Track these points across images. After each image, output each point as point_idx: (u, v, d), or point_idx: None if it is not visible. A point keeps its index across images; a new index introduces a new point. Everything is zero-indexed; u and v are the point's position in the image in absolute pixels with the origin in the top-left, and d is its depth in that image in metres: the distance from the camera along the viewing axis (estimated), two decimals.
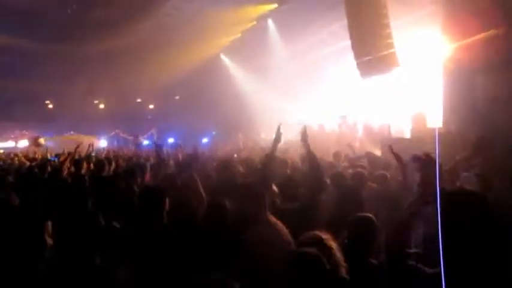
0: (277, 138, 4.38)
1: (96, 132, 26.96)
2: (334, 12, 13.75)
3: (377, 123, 14.12)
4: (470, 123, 9.86)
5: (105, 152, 13.08)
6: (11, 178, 6.51)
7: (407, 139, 11.74)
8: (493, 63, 9.79)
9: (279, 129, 4.37)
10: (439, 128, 10.48)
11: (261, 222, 3.28)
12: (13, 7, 15.82)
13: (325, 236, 2.41)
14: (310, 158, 4.05)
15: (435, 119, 11.34)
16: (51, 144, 21.29)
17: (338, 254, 2.36)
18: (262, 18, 18.60)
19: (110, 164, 6.87)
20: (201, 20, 16.94)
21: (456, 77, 10.41)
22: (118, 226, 3.46)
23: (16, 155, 13.36)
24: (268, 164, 4.06)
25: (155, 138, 28.65)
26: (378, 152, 11.26)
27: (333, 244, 2.38)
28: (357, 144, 13.20)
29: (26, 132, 27.10)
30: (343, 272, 2.34)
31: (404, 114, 13.05)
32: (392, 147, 5.10)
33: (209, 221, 3.24)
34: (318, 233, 2.43)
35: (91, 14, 16.78)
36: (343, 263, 2.35)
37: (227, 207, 3.38)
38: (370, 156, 7.68)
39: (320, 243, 2.36)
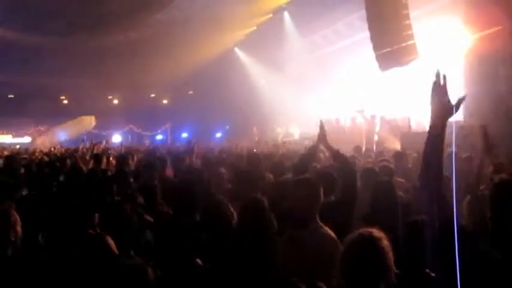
0: (322, 136, 4.19)
1: (111, 127, 27.12)
2: (351, 3, 13.55)
3: (396, 117, 13.93)
4: (493, 115, 9.65)
5: (123, 147, 13.10)
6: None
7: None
8: None
9: (322, 126, 4.21)
10: (458, 122, 10.30)
11: (313, 224, 3.06)
12: (26, 1, 15.82)
13: (378, 235, 2.23)
14: (337, 156, 3.92)
15: (457, 112, 11.11)
16: (63, 135, 21.64)
17: (391, 258, 2.18)
18: (279, 10, 18.42)
19: (132, 158, 6.83)
20: (216, 13, 16.81)
21: (478, 68, 10.22)
22: (151, 220, 3.40)
23: (35, 150, 13.44)
24: (310, 160, 3.92)
25: (169, 133, 28.81)
26: (397, 146, 11.12)
27: (387, 244, 2.20)
28: (375, 138, 13.06)
29: (42, 128, 27.38)
30: (393, 277, 2.18)
31: (424, 106, 12.82)
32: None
33: (247, 219, 3.02)
34: (370, 230, 2.25)
35: (104, 7, 16.73)
36: (394, 268, 2.19)
37: (265, 204, 3.14)
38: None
39: (371, 241, 2.19)
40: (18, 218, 3.13)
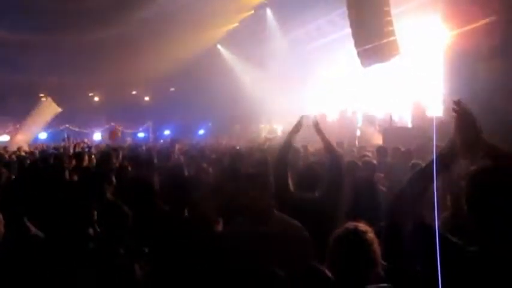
0: (296, 129, 4.18)
1: (92, 125, 26.80)
2: (332, 0, 13.64)
3: (377, 112, 14.09)
4: (472, 111, 9.80)
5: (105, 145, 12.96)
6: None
7: (409, 128, 11.73)
8: (495, 51, 9.74)
9: (300, 120, 4.19)
10: (438, 117, 10.45)
11: (272, 217, 2.98)
12: None
13: (363, 228, 2.26)
14: (329, 148, 3.93)
15: (436, 107, 11.31)
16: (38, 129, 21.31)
17: (378, 250, 2.22)
18: (261, 7, 18.40)
19: (117, 156, 6.76)
20: (197, 10, 16.70)
21: (457, 64, 10.37)
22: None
23: (20, 148, 13.18)
24: (285, 154, 3.92)
25: (151, 130, 28.57)
26: (379, 141, 11.25)
27: (372, 237, 2.24)
28: (357, 134, 13.20)
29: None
30: (380, 270, 2.22)
31: (405, 102, 13.02)
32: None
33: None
34: (355, 224, 2.28)
35: (84, 3, 16.49)
36: (381, 261, 2.23)
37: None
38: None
39: (356, 234, 2.23)
40: (1, 217, 3.11)
